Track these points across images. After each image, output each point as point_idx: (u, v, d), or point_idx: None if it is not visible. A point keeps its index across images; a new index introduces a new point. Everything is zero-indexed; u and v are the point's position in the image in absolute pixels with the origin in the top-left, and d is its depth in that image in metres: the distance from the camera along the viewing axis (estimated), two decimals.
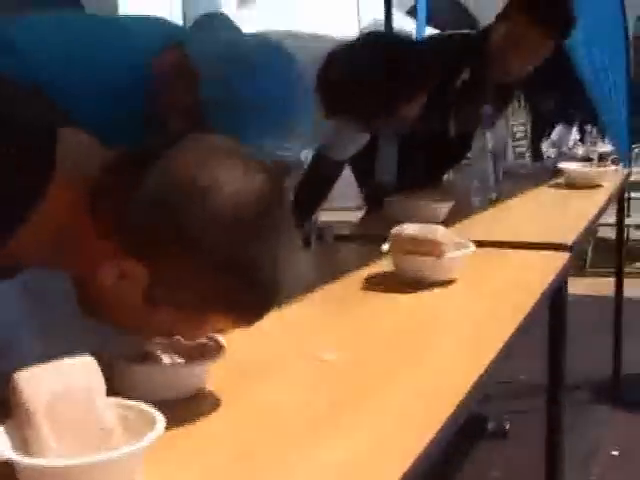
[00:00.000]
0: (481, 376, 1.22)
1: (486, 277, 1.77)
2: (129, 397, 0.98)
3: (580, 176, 2.88)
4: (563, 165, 3.03)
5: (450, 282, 1.69)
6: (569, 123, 12.30)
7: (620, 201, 3.41)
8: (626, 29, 6.96)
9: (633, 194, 6.35)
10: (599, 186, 2.85)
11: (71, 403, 0.92)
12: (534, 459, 2.23)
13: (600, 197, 2.67)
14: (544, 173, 3.13)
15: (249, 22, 9.77)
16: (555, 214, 2.48)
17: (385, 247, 1.74)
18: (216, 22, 1.58)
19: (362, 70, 2.13)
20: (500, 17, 2.76)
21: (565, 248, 1.96)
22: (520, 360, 2.13)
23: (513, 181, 2.85)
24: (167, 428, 0.92)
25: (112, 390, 0.96)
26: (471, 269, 1.74)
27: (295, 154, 1.44)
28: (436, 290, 1.65)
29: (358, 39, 2.31)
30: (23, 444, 0.90)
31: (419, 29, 8.93)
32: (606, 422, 3.18)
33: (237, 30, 1.55)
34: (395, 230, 1.71)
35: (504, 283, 1.74)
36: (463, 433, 3.00)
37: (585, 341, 3.74)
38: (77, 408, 0.93)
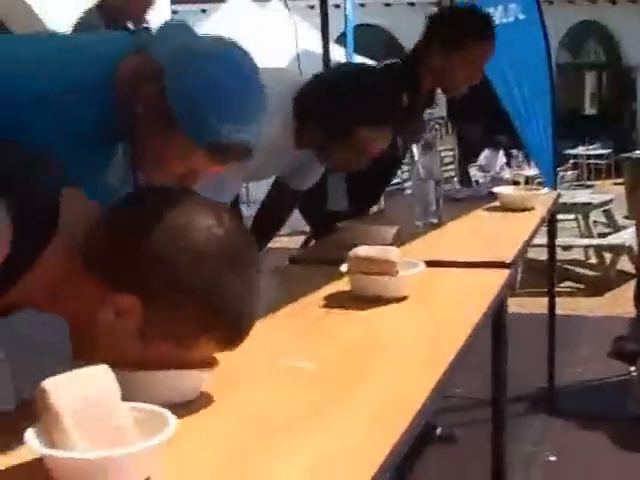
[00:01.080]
0: (437, 384, 1.37)
1: (435, 294, 1.94)
2: (141, 401, 1.13)
3: (514, 199, 3.08)
4: (497, 189, 3.22)
5: (403, 299, 1.86)
6: (496, 148, 12.65)
7: (550, 223, 3.61)
8: (550, 56, 7.24)
9: (559, 216, 6.61)
10: (532, 208, 3.05)
11: (92, 407, 1.05)
12: (478, 466, 2.38)
13: (533, 219, 2.85)
14: (479, 197, 3.32)
15: None
16: (493, 235, 2.67)
17: (343, 268, 1.90)
18: (177, 29, 1.72)
19: (330, 103, 2.32)
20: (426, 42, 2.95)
21: (504, 266, 2.13)
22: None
23: (451, 205, 3.04)
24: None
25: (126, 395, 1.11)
26: (421, 287, 1.90)
27: (252, 137, 1.61)
28: (391, 306, 1.81)
29: (327, 72, 2.48)
30: (51, 445, 1.03)
31: (348, 58, 9.18)
32: (543, 430, 3.37)
33: (196, 35, 1.70)
34: (352, 252, 1.87)
35: (452, 299, 1.91)
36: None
37: (520, 356, 3.94)
38: (97, 411, 1.06)
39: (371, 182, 2.94)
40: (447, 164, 11.52)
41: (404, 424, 1.21)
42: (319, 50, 9.14)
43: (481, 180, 10.75)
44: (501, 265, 2.14)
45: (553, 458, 3.09)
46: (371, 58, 12.53)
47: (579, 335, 4.66)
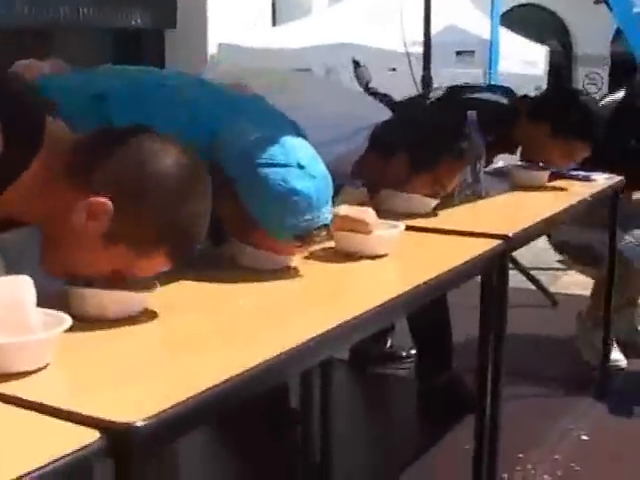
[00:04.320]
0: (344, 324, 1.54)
1: (414, 255, 2.08)
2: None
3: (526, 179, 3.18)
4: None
5: (380, 257, 2.01)
6: None
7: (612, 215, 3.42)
8: None
9: None
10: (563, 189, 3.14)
11: (7, 308, 1.28)
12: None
13: (561, 202, 2.91)
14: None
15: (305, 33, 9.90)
16: (516, 210, 2.77)
17: None
18: (235, 134, 1.84)
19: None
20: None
21: (500, 237, 2.23)
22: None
23: (502, 183, 3.14)
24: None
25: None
26: (404, 248, 2.05)
27: (328, 216, 1.83)
28: (364, 262, 1.97)
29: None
30: None
31: (493, 32, 9.16)
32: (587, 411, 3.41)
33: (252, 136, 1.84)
34: (333, 211, 2.03)
35: (428, 260, 2.03)
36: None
37: None
38: (10, 312, 1.29)
39: None
40: None
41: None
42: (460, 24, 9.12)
43: None
44: (501, 237, 2.24)
45: (585, 437, 3.15)
46: (535, 38, 12.38)
47: None
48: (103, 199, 1.42)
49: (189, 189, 1.47)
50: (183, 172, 1.46)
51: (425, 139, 2.47)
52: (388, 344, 3.80)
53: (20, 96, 1.50)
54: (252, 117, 1.89)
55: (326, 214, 1.81)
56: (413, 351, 3.60)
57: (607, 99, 3.82)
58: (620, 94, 3.80)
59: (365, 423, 3.36)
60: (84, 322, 1.40)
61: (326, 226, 1.83)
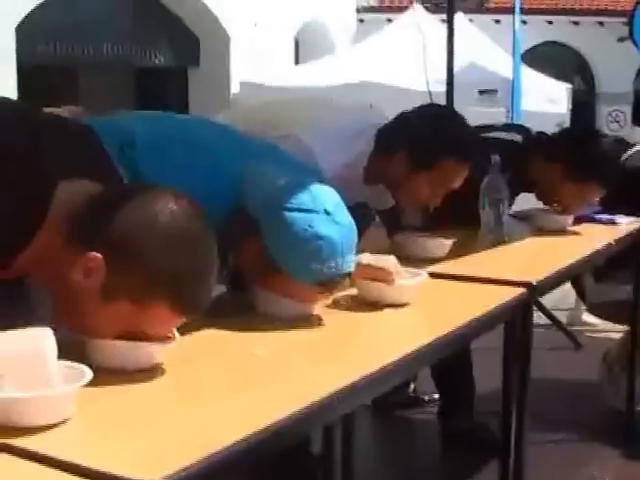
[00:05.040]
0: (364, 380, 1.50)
1: (437, 304, 2.05)
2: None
3: (549, 221, 3.18)
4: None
5: (402, 306, 1.99)
6: None
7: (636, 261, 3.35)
8: None
9: None
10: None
11: (28, 361, 1.28)
12: None
13: (585, 248, 2.87)
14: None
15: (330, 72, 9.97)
16: (536, 257, 2.74)
17: None
18: (259, 176, 1.84)
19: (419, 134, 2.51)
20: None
21: (524, 285, 2.21)
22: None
23: (524, 226, 3.12)
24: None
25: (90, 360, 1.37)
26: (426, 297, 2.03)
27: (351, 264, 1.83)
28: (384, 312, 1.95)
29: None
30: None
31: (516, 70, 9.19)
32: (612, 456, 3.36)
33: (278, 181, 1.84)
34: (355, 258, 2.02)
35: (449, 310, 2.01)
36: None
37: None
38: (31, 365, 1.28)
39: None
40: None
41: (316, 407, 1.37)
42: (482, 63, 9.14)
43: None
44: (525, 285, 2.22)
45: None
46: (558, 76, 12.39)
47: None
48: (95, 255, 1.40)
49: (185, 243, 1.43)
50: (179, 226, 1.43)
51: (426, 136, 2.48)
52: (411, 389, 3.77)
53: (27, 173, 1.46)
54: (274, 160, 1.90)
55: (349, 262, 1.80)
56: (436, 395, 3.57)
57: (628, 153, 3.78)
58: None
59: (388, 467, 3.32)
60: (103, 373, 1.38)
61: (349, 274, 1.81)
